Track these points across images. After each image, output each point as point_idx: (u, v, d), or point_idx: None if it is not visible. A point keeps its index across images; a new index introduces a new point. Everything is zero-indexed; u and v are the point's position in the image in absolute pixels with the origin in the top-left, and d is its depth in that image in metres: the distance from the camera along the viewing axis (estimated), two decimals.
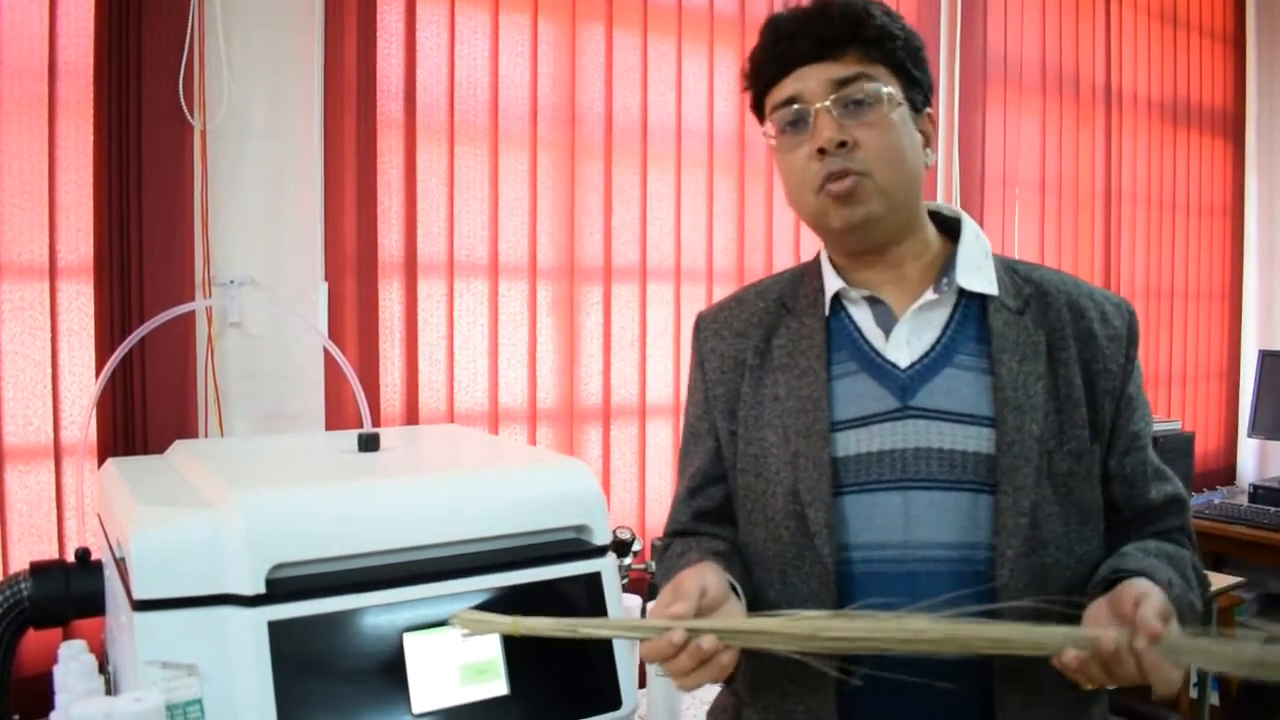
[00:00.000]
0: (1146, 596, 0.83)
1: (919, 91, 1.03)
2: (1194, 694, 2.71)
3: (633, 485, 2.22)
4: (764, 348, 1.09)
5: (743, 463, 1.08)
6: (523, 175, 2.05)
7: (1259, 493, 3.17)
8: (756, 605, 1.01)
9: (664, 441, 2.26)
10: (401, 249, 1.90)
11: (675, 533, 1.16)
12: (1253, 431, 3.42)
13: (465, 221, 1.99)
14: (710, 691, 1.72)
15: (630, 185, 2.19)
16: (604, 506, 1.24)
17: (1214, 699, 2.79)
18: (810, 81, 1.00)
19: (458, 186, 1.97)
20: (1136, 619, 0.81)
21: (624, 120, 2.17)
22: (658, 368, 2.24)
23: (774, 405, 1.06)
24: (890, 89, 0.99)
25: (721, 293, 2.29)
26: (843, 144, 0.98)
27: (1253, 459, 3.72)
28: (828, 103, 0.99)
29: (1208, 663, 0.84)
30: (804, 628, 0.86)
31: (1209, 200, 3.61)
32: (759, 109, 1.08)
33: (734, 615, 0.92)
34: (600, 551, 1.21)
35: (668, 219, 2.24)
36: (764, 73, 1.04)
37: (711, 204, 2.30)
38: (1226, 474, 3.72)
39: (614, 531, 1.72)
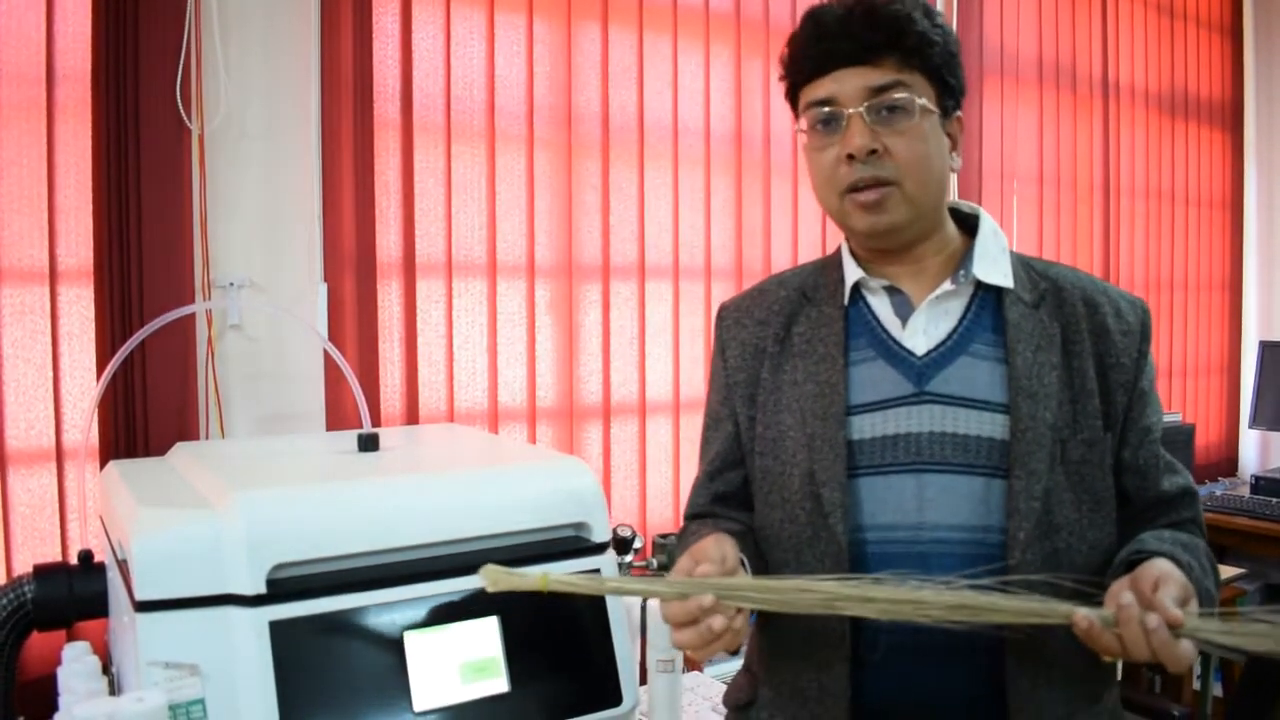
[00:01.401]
0: (1167, 579, 0.85)
1: (951, 97, 1.05)
2: (1197, 685, 2.72)
3: (633, 483, 2.22)
4: (784, 335, 1.12)
5: (760, 446, 1.11)
6: (520, 175, 2.05)
7: (1261, 484, 3.17)
8: None
9: (664, 439, 2.27)
10: (400, 249, 1.91)
11: (693, 515, 1.19)
12: (1254, 423, 3.42)
13: (463, 221, 1.99)
14: (713, 688, 1.73)
15: (628, 183, 2.19)
16: (603, 504, 1.24)
17: (1217, 690, 2.79)
18: (847, 85, 1.01)
19: (455, 187, 1.97)
20: (1157, 603, 0.82)
21: (621, 119, 2.17)
22: (657, 365, 2.25)
23: (792, 390, 1.09)
24: (923, 99, 1.01)
25: (720, 290, 2.30)
26: (873, 151, 1.00)
27: (1254, 450, 3.72)
28: (861, 109, 1.00)
29: (1226, 641, 0.85)
30: (826, 590, 0.87)
31: (1208, 192, 3.60)
32: (793, 99, 1.09)
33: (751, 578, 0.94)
34: (600, 549, 1.22)
35: (665, 217, 2.25)
36: (802, 68, 1.06)
37: (709, 201, 2.31)
38: (1228, 465, 3.73)
39: (615, 529, 1.73)
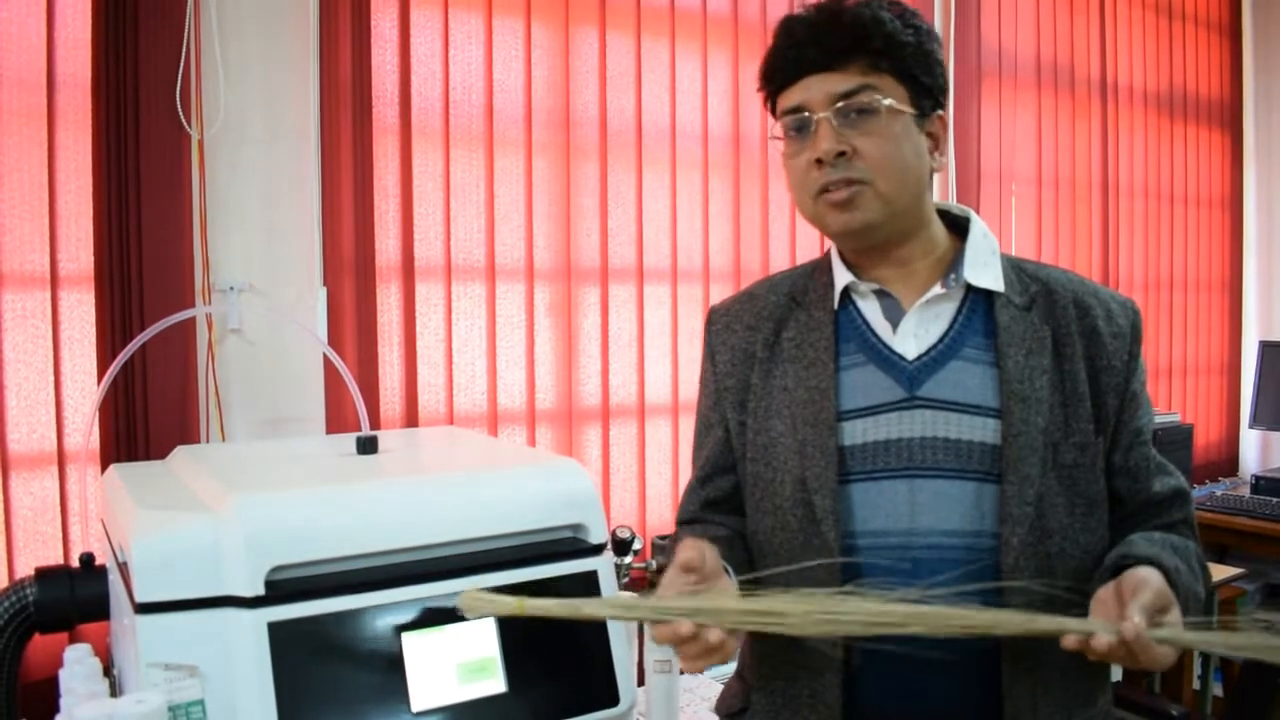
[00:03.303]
0: (1144, 586, 0.86)
1: (928, 97, 1.05)
2: (1197, 685, 2.72)
3: (632, 484, 2.23)
4: (773, 340, 1.12)
5: (752, 452, 1.11)
6: (518, 178, 2.06)
7: (1261, 484, 3.17)
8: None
9: (663, 440, 2.27)
10: (399, 253, 1.92)
11: (685, 521, 1.19)
12: (1254, 423, 3.42)
13: (462, 225, 2.00)
14: (710, 688, 1.74)
15: (626, 187, 2.20)
16: (599, 505, 1.25)
17: (1217, 690, 2.79)
18: (815, 91, 1.02)
19: (454, 190, 1.98)
20: (1124, 612, 0.83)
21: (618, 122, 2.18)
22: (656, 368, 2.25)
23: (783, 396, 1.08)
24: (891, 100, 1.01)
25: (718, 292, 2.31)
26: (841, 154, 1.01)
27: (1255, 450, 3.72)
28: (828, 113, 1.01)
29: (1207, 647, 0.88)
30: (809, 607, 0.87)
31: (1207, 192, 3.60)
32: (772, 108, 1.10)
33: (733, 596, 0.93)
34: (596, 550, 1.22)
35: (664, 220, 2.25)
36: (774, 77, 1.07)
37: (707, 204, 2.31)
38: (1229, 465, 3.72)
39: (614, 531, 1.73)
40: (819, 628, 0.86)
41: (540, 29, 2.08)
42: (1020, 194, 2.99)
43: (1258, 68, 3.72)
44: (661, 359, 2.26)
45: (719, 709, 1.22)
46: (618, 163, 2.18)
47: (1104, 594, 0.89)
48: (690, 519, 1.18)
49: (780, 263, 2.42)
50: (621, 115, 2.18)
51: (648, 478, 2.24)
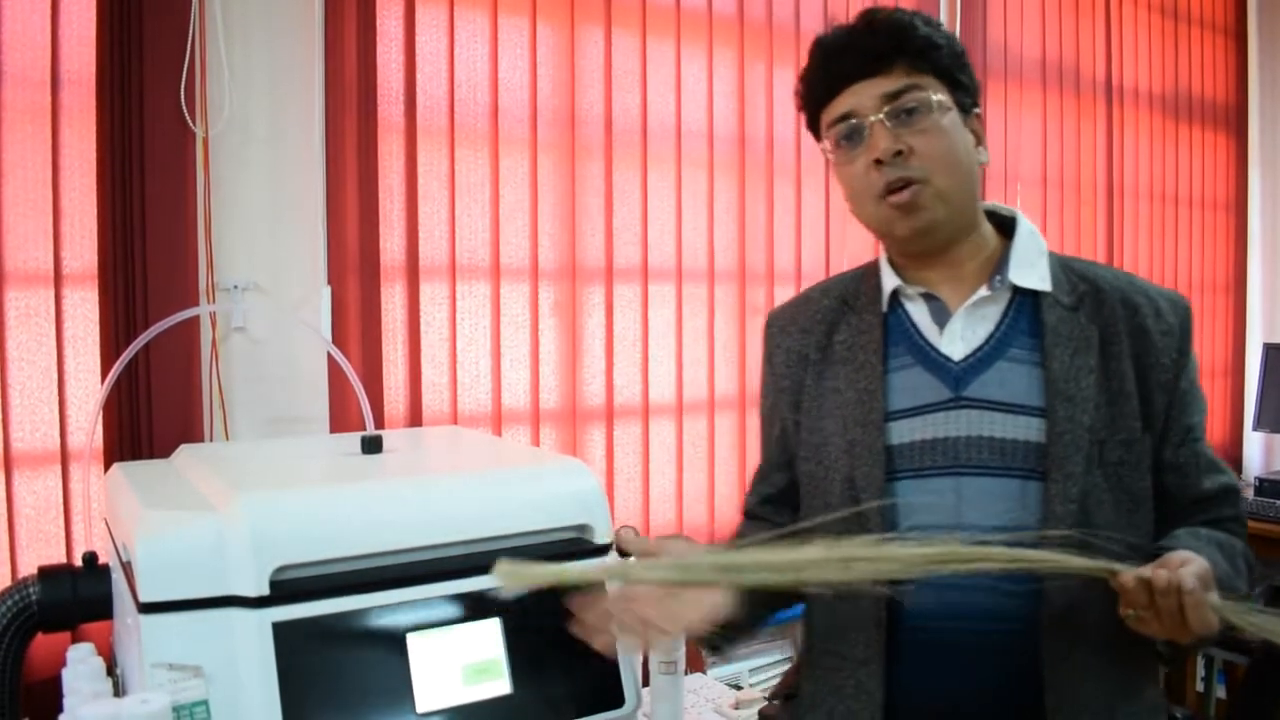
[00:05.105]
0: (1192, 560, 0.89)
1: (966, 94, 1.08)
2: (1200, 688, 2.71)
3: (636, 485, 2.22)
4: (826, 343, 1.16)
5: (805, 451, 1.15)
6: (523, 177, 2.06)
7: (1265, 486, 3.16)
8: None
9: (667, 441, 2.27)
10: (403, 252, 1.91)
11: (745, 514, 1.25)
12: (1258, 425, 3.41)
13: (467, 224, 2.00)
14: (715, 689, 1.74)
15: (631, 186, 2.19)
16: (605, 505, 1.25)
17: (1220, 692, 2.78)
18: (863, 97, 1.05)
19: (459, 189, 1.98)
20: (1177, 573, 0.86)
21: (624, 122, 2.17)
22: (660, 368, 2.25)
23: (834, 397, 1.12)
24: (939, 95, 1.04)
25: (723, 292, 2.31)
26: (899, 153, 1.03)
27: (1258, 453, 3.71)
28: (880, 115, 1.03)
29: (1255, 628, 0.90)
30: (844, 554, 0.89)
31: (1212, 194, 3.60)
32: (814, 126, 1.13)
33: (766, 549, 0.93)
34: (602, 551, 1.22)
35: (669, 219, 2.25)
36: (816, 92, 1.09)
37: (712, 204, 2.31)
38: (1232, 468, 3.71)
39: (618, 531, 1.73)
40: (858, 573, 0.88)
41: (546, 28, 2.08)
42: (1025, 195, 2.99)
43: (1263, 70, 3.72)
44: (666, 359, 2.26)
45: (775, 693, 1.26)
46: (623, 162, 2.18)
47: (1143, 570, 0.91)
48: (748, 513, 1.24)
49: (786, 263, 2.42)
50: (627, 114, 2.18)
51: (651, 478, 2.24)
